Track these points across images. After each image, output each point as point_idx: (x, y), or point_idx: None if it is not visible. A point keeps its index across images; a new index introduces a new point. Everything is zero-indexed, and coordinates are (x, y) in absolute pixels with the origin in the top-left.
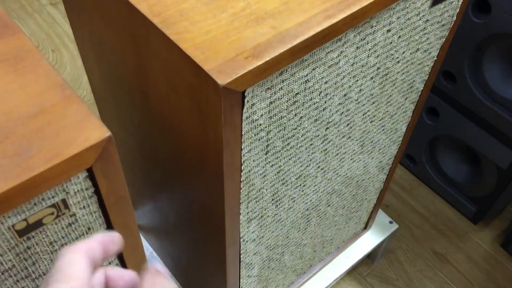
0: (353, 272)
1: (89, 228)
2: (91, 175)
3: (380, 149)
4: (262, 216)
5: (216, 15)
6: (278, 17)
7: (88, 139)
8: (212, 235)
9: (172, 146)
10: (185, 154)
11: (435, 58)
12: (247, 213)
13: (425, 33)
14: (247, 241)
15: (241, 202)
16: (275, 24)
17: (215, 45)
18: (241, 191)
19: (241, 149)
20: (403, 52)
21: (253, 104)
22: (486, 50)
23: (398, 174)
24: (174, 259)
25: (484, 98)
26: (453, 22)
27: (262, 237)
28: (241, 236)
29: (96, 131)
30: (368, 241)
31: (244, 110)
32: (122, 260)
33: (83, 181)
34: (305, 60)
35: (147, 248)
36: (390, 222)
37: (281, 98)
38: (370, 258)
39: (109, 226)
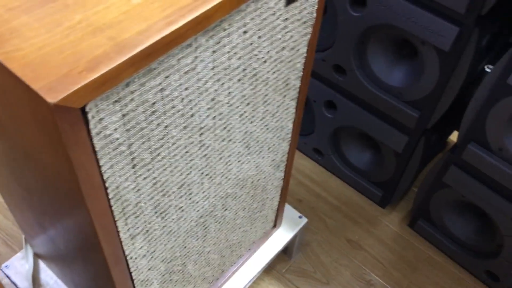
0: (271, 270)
1: None
2: None
3: (269, 148)
4: (147, 231)
5: (50, 30)
6: (117, 27)
7: None
8: (96, 257)
9: (35, 170)
10: (46, 176)
11: (305, 55)
12: (128, 229)
13: (287, 32)
14: (135, 258)
15: (116, 219)
16: (113, 34)
17: (47, 61)
18: (113, 208)
19: (100, 166)
20: (268, 52)
21: (101, 119)
22: (368, 41)
23: (308, 168)
24: (76, 285)
25: (372, 87)
26: (314, 19)
27: (154, 251)
28: (126, 254)
29: None
30: (280, 238)
31: (91, 126)
32: None
33: None
34: (154, 69)
35: (51, 277)
36: (300, 217)
37: (135, 110)
38: (287, 254)
39: None
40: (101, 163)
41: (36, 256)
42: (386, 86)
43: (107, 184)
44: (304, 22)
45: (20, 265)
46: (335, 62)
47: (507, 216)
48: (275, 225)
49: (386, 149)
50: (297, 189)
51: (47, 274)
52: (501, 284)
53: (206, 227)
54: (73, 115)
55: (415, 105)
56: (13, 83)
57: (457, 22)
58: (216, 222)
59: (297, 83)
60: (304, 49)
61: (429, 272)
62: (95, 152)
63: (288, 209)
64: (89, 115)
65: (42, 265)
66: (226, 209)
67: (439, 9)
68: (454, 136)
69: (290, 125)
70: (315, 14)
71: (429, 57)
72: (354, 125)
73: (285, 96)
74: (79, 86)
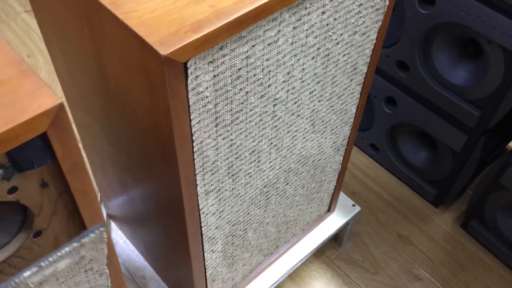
0: (321, 255)
1: None
2: (47, 142)
3: (332, 129)
4: (219, 190)
5: None
6: None
7: (41, 106)
8: (174, 209)
9: (130, 124)
10: (142, 128)
11: (375, 41)
12: (204, 185)
13: (361, 17)
14: (207, 214)
15: (196, 173)
16: (213, 3)
17: (158, 22)
18: (195, 162)
19: (190, 120)
20: (341, 34)
21: (197, 76)
22: (434, 39)
23: (363, 163)
24: (146, 244)
25: (435, 84)
26: (386, 7)
27: (222, 211)
28: (200, 208)
29: (48, 99)
30: (332, 223)
31: (188, 82)
32: (84, 225)
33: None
34: (244, 37)
35: (121, 237)
36: (353, 205)
37: (224, 72)
38: (337, 242)
39: (69, 192)
40: (192, 117)
41: (109, 217)
42: (448, 84)
43: (193, 138)
44: (377, 9)
45: None
46: (399, 58)
47: None
48: (329, 209)
49: (443, 147)
50: (351, 182)
51: (117, 234)
52: None
53: (268, 198)
54: (177, 68)
55: (477, 104)
56: (129, 38)
57: None
58: (277, 194)
59: (364, 69)
60: (374, 36)
61: (478, 273)
62: (188, 106)
63: (343, 197)
64: (189, 71)
65: (113, 225)
66: (287, 183)
67: (507, 9)
68: None
69: (354, 110)
70: (387, 2)
71: (494, 56)
72: (413, 122)
73: (352, 80)
74: (184, 43)
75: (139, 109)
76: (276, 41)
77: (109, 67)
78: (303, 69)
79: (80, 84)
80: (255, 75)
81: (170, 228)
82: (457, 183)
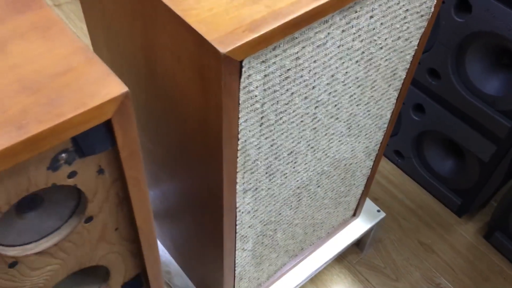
0: (343, 260)
1: None
2: (110, 128)
3: (366, 134)
4: (256, 189)
5: None
6: None
7: (108, 93)
8: (211, 206)
9: (175, 120)
10: (187, 125)
11: (416, 47)
12: (243, 183)
13: (405, 22)
14: (242, 212)
15: (237, 171)
16: (269, 3)
17: (216, 20)
18: (238, 160)
19: (238, 118)
20: (386, 39)
21: (249, 75)
22: (468, 47)
23: (386, 169)
24: (173, 239)
25: (466, 93)
26: (431, 13)
27: (257, 210)
28: (237, 206)
29: (115, 87)
30: (357, 227)
31: (241, 80)
32: (131, 213)
33: None
34: (296, 38)
35: None
36: (378, 211)
37: (274, 72)
38: (359, 247)
39: (123, 179)
40: (240, 115)
41: None
42: (480, 93)
43: (239, 136)
44: (422, 16)
45: None
46: (430, 65)
47: None
48: (354, 214)
49: (471, 157)
50: (374, 187)
51: None
52: None
53: (300, 199)
54: (233, 67)
55: (509, 115)
56: (186, 35)
57: None
58: (308, 196)
59: (403, 74)
60: (416, 42)
61: (500, 284)
62: (238, 104)
63: (368, 202)
64: (243, 70)
65: None
66: (319, 186)
67: None
68: None
69: (388, 115)
70: (432, 9)
71: None
72: (441, 130)
73: (390, 85)
74: (242, 42)
75: (187, 105)
76: (325, 43)
77: (159, 63)
78: (346, 72)
79: (123, 79)
80: (301, 76)
81: (204, 225)
82: (482, 193)
